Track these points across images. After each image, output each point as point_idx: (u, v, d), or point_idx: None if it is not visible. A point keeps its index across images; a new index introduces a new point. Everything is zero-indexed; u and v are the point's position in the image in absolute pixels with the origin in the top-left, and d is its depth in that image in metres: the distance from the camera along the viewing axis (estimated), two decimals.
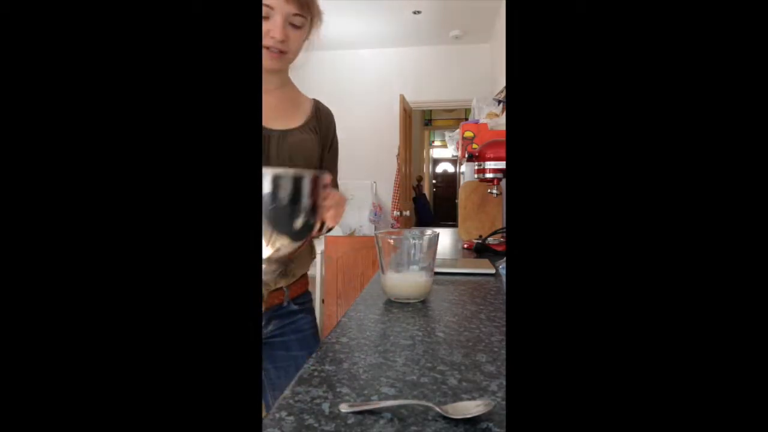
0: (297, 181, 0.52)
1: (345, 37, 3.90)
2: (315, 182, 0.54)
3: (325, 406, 0.42)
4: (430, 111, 7.02)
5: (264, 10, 0.70)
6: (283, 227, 0.53)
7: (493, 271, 1.01)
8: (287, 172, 0.52)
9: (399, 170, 4.00)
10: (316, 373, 0.49)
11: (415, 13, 3.38)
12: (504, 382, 0.46)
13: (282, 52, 0.76)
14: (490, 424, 0.38)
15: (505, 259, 0.99)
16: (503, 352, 0.55)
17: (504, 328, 0.63)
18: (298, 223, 0.53)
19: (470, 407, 0.40)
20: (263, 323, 0.85)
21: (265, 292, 0.76)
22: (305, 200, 0.53)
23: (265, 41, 0.73)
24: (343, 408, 0.41)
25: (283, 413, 0.40)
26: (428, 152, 8.09)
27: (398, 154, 3.98)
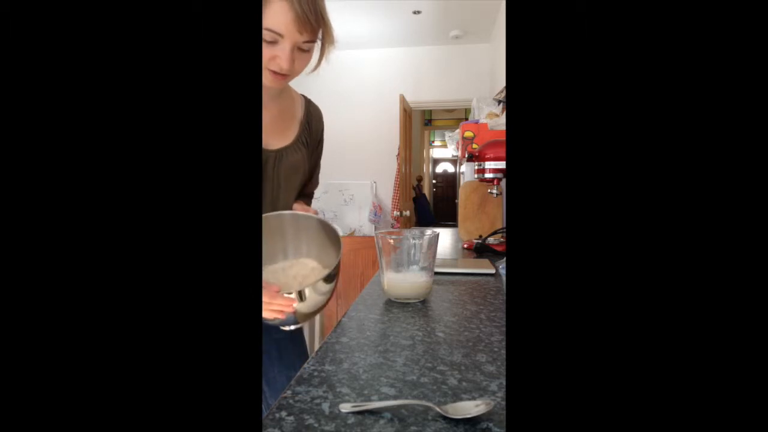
0: None
1: (345, 37, 3.90)
2: None
3: (325, 406, 0.42)
4: (430, 111, 7.01)
5: (271, 35, 0.66)
6: None
7: (493, 271, 1.01)
8: None
9: (399, 170, 3.99)
10: (316, 373, 0.49)
11: (415, 13, 3.37)
12: (504, 382, 0.46)
13: (285, 76, 0.72)
14: (490, 424, 0.38)
15: (505, 259, 0.99)
16: (503, 352, 0.55)
17: (504, 328, 0.63)
18: None
19: (470, 407, 0.40)
20: None
21: None
22: None
23: (270, 65, 0.69)
24: (343, 408, 0.41)
25: (283, 413, 0.40)
26: (428, 152, 8.08)
27: (398, 154, 3.98)
